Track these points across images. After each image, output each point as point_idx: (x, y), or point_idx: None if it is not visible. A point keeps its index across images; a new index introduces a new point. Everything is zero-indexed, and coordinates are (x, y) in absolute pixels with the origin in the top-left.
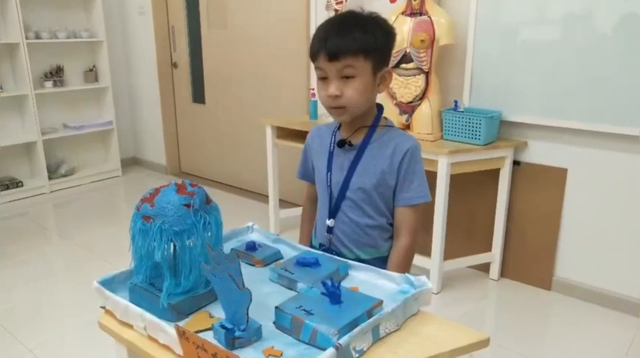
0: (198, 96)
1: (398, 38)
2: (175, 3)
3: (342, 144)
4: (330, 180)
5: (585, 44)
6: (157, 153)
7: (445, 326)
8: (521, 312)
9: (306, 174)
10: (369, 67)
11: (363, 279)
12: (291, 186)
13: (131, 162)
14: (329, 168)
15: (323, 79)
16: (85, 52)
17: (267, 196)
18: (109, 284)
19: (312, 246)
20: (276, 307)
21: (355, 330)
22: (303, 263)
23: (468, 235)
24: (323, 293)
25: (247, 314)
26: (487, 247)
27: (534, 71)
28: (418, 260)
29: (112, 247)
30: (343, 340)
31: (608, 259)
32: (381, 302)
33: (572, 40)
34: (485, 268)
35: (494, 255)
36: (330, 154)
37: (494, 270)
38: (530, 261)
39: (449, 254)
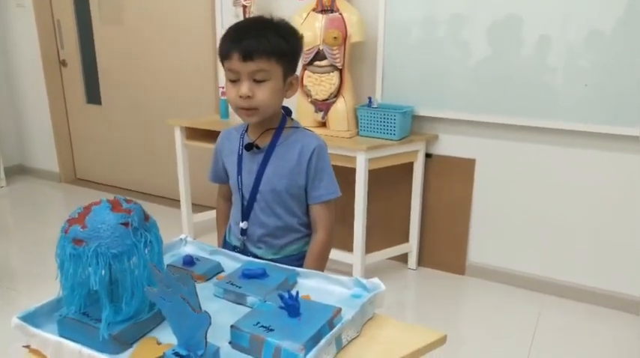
0: (93, 96)
1: (310, 35)
2: None
3: (249, 147)
4: (241, 183)
5: (486, 37)
6: (48, 159)
7: (402, 328)
8: (440, 298)
9: (218, 176)
10: (280, 72)
11: (313, 286)
12: (204, 189)
13: (17, 171)
14: (239, 172)
15: (233, 80)
16: None
17: (179, 201)
18: (32, 319)
19: (225, 244)
20: (232, 326)
21: (321, 343)
22: (249, 275)
23: (386, 228)
24: (281, 307)
25: (205, 337)
26: (405, 238)
27: (442, 66)
28: (341, 255)
29: (7, 271)
30: (311, 355)
31: (514, 242)
32: (340, 309)
33: (477, 34)
34: (403, 259)
35: (412, 246)
36: (240, 157)
37: (412, 260)
38: (445, 248)
39: (369, 247)
